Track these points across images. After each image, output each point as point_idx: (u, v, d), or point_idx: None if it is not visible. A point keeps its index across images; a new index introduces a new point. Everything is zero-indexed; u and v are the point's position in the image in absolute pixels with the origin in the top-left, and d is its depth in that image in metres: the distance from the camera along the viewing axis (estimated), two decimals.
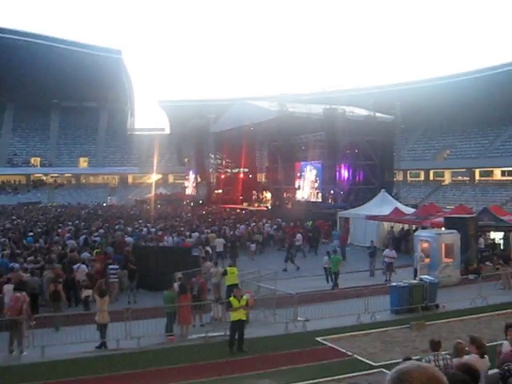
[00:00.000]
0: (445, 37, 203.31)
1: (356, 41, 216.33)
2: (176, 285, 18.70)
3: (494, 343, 9.36)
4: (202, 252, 28.43)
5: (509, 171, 73.91)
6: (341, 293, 22.87)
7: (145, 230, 37.92)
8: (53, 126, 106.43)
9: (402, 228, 37.00)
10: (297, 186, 57.67)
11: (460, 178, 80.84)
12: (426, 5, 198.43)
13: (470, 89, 77.64)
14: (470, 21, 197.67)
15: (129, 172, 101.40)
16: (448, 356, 8.87)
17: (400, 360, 10.02)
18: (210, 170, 75.71)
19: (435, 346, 9.29)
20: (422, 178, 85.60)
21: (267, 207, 61.12)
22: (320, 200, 51.95)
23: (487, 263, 28.13)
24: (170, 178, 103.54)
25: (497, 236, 32.09)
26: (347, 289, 23.75)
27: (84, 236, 33.68)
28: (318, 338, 17.10)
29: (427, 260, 25.55)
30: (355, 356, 15.26)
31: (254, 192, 71.41)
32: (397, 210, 37.14)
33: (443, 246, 25.86)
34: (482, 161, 75.47)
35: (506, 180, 73.84)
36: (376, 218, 37.28)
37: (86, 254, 25.74)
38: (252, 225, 41.24)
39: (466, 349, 8.75)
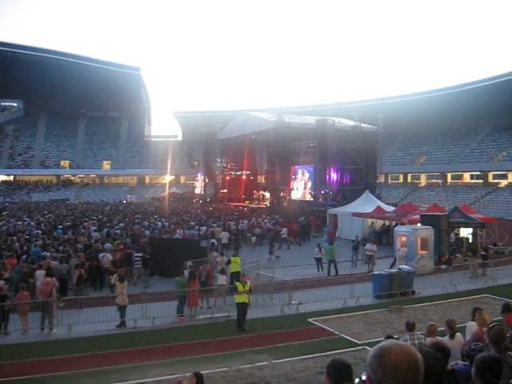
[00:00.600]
0: (421, 56, 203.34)
1: (343, 59, 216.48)
2: (186, 272, 18.70)
3: (463, 325, 9.32)
4: (209, 243, 28.49)
5: (477, 175, 73.88)
6: (329, 280, 22.86)
7: (159, 223, 37.86)
8: (80, 133, 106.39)
9: (383, 224, 36.97)
10: (292, 186, 57.66)
11: (434, 180, 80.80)
12: (402, 25, 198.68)
13: (443, 103, 77.75)
14: (443, 42, 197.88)
15: (146, 173, 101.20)
16: (422, 336, 8.86)
17: (381, 338, 10.03)
18: (217, 172, 75.59)
19: (411, 327, 9.28)
20: (401, 180, 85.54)
21: (266, 205, 61.00)
22: (312, 199, 51.90)
23: (457, 255, 28.15)
24: (182, 179, 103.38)
25: (466, 231, 32.09)
26: (335, 276, 23.83)
27: (107, 229, 33.71)
28: (310, 319, 17.14)
29: (405, 249, 25.59)
30: (342, 335, 15.28)
31: (255, 192, 71.33)
32: (379, 208, 37.12)
33: (419, 239, 25.86)
34: (453, 166, 75.60)
35: (475, 183, 73.85)
36: (361, 215, 37.27)
37: (108, 245, 25.72)
38: (253, 220, 41.24)
39: (439, 329, 8.74)
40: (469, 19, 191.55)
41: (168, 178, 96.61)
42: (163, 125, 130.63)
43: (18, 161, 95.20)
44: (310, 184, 53.65)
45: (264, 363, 12.84)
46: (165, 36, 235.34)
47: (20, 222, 39.39)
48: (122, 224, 37.00)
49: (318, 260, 26.23)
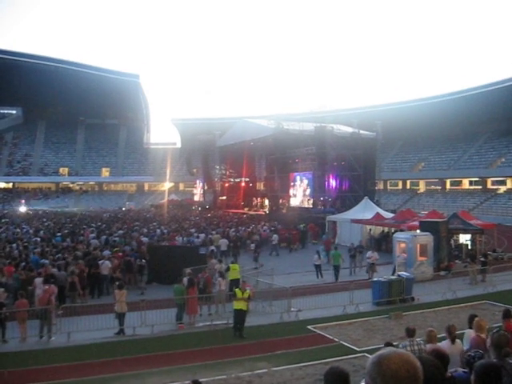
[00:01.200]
0: (419, 62, 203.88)
1: (342, 66, 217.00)
2: (185, 279, 18.67)
3: (462, 331, 9.31)
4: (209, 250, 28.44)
5: (475, 181, 74.01)
6: (329, 286, 22.82)
7: (158, 230, 37.85)
8: (79, 140, 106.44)
9: (383, 230, 36.94)
10: (291, 193, 57.67)
11: (433, 187, 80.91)
12: (400, 33, 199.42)
13: (441, 109, 77.93)
14: (441, 48, 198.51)
15: (145, 180, 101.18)
16: (422, 342, 8.84)
17: (380, 345, 10.02)
18: (216, 179, 75.64)
19: (410, 333, 9.27)
20: (400, 186, 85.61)
21: (265, 212, 61.01)
22: (311, 206, 51.93)
23: (457, 261, 28.14)
24: (181, 186, 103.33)
25: (465, 238, 32.09)
26: (334, 283, 23.82)
27: (105, 236, 33.67)
28: (309, 326, 17.10)
29: (404, 256, 25.55)
30: (341, 342, 15.25)
31: (254, 198, 71.37)
32: (378, 214, 37.10)
33: (418, 246, 25.84)
34: (452, 172, 75.68)
35: (473, 189, 73.94)
36: (360, 222, 37.26)
37: (106, 252, 25.64)
38: (252, 226, 41.21)
39: (438, 336, 8.73)
40: (466, 25, 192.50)
41: (167, 185, 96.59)
42: (162, 132, 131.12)
43: (17, 168, 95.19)
44: (308, 191, 53.66)
45: (263, 371, 12.80)
46: (164, 43, 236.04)
47: (19, 230, 39.34)
48: (120, 231, 36.94)
49: (318, 267, 26.19)
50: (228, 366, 13.35)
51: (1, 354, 14.84)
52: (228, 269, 21.89)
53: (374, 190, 54.55)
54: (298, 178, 56.49)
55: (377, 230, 37.36)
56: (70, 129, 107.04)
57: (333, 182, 51.93)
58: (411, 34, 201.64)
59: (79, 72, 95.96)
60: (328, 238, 36.73)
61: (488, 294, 21.51)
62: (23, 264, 22.44)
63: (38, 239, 32.18)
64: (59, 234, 35.34)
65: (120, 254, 25.79)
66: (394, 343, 9.11)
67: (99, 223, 45.17)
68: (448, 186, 78.19)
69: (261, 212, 62.36)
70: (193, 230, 37.69)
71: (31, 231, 38.70)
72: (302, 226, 41.62)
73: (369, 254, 26.66)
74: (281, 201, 59.72)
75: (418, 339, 9.06)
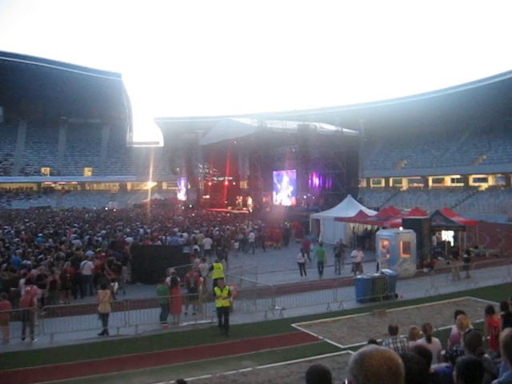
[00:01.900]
0: (400, 61, 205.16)
1: (326, 65, 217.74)
2: (169, 278, 18.60)
3: (446, 328, 9.39)
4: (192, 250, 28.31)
5: (457, 178, 74.78)
6: (312, 284, 22.87)
7: (141, 230, 37.66)
8: (61, 140, 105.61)
9: (366, 228, 37.10)
10: (274, 191, 57.74)
11: (415, 184, 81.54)
12: (382, 31, 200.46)
13: (423, 107, 78.62)
14: (422, 47, 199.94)
15: (128, 180, 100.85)
16: (405, 339, 8.91)
17: (364, 343, 10.08)
18: (199, 178, 75.60)
19: (393, 330, 9.33)
20: (383, 184, 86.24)
21: (249, 210, 61.01)
22: (294, 204, 52.04)
23: (439, 258, 28.34)
24: (164, 185, 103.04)
25: (447, 235, 32.32)
26: (317, 281, 23.88)
27: (88, 236, 33.45)
28: (293, 325, 17.13)
29: (387, 256, 25.69)
30: (325, 340, 15.28)
31: (237, 197, 71.32)
32: (361, 212, 37.25)
33: (401, 243, 25.95)
34: (434, 170, 76.32)
35: (455, 186, 74.72)
36: (343, 220, 37.38)
37: (89, 252, 25.43)
38: (236, 225, 41.21)
39: (421, 333, 8.80)
40: (447, 25, 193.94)
41: (150, 185, 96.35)
42: (145, 131, 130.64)
43: None
44: (292, 189, 53.77)
45: (248, 369, 12.80)
46: (146, 42, 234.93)
47: (0, 230, 38.92)
48: (103, 231, 36.71)
49: (301, 265, 26.24)
50: (213, 365, 13.34)
51: None
52: (212, 268, 21.83)
53: (357, 188, 54.86)
54: (281, 176, 56.60)
55: (360, 227, 37.52)
56: (51, 128, 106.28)
57: (316, 180, 52.12)
58: (393, 34, 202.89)
59: (61, 71, 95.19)
60: (307, 239, 36.53)
61: (470, 291, 21.67)
62: (5, 265, 22.22)
63: (19, 240, 31.88)
64: (41, 234, 35.05)
65: (103, 254, 25.64)
66: (378, 340, 9.14)
67: (82, 223, 44.85)
68: (430, 183, 78.87)
69: (244, 211, 62.35)
70: (176, 229, 37.61)
71: (13, 232, 38.33)
72: (286, 223, 41.75)
73: (354, 253, 26.43)
74: (264, 199, 59.82)
75: (401, 336, 9.13)
